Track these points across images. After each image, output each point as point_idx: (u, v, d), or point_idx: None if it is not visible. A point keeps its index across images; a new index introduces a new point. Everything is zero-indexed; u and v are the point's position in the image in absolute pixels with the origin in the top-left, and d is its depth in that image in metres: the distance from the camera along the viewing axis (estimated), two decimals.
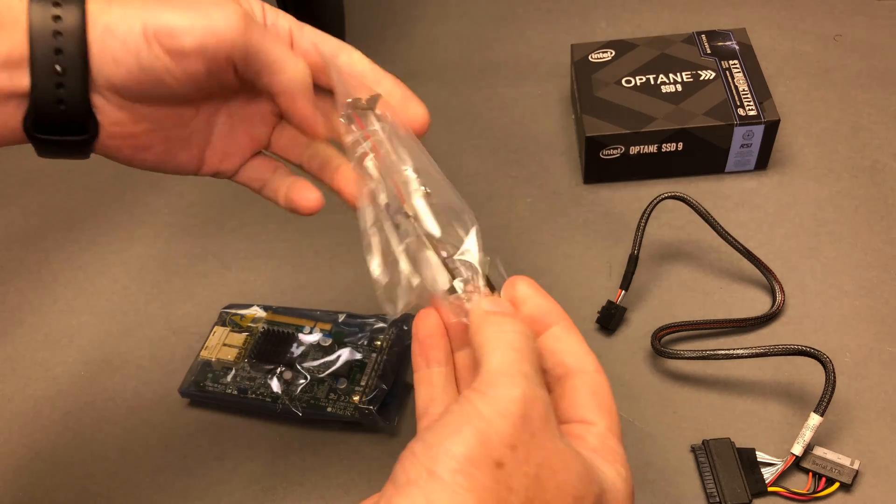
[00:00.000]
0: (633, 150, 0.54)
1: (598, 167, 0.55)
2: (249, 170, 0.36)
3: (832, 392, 0.40)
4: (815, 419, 0.40)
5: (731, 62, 0.56)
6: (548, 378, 0.28)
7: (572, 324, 0.30)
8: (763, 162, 0.55)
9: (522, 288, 0.31)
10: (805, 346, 0.41)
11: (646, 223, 0.48)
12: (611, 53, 0.58)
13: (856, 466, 0.40)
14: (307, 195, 0.34)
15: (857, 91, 0.60)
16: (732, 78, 0.55)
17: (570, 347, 0.29)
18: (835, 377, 0.40)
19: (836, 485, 0.40)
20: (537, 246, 0.53)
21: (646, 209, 0.48)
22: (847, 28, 0.64)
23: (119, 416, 0.47)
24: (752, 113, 0.52)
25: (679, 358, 0.45)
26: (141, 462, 0.45)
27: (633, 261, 0.47)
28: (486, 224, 0.54)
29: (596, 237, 0.53)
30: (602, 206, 0.54)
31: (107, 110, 0.30)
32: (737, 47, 0.57)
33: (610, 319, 0.47)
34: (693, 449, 0.42)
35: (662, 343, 0.46)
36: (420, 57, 0.68)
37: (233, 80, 0.31)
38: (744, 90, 0.54)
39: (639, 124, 0.53)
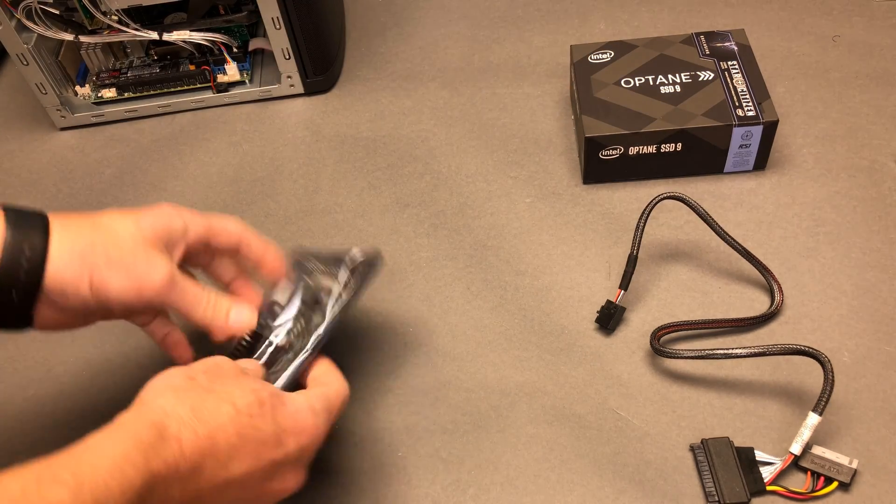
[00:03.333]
0: (633, 150, 0.54)
1: (598, 167, 0.55)
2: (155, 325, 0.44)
3: (831, 391, 0.40)
4: (813, 418, 0.40)
5: (729, 63, 0.56)
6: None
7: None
8: (762, 162, 0.55)
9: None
10: (803, 346, 0.41)
11: (645, 223, 0.48)
12: (610, 54, 0.58)
13: (854, 465, 0.40)
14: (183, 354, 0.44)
15: (855, 91, 0.60)
16: (731, 78, 0.55)
17: (324, 369, 0.41)
18: (833, 377, 0.40)
19: (835, 484, 0.40)
20: (537, 246, 0.53)
21: (645, 209, 0.48)
22: (845, 29, 0.65)
23: None
24: (750, 113, 0.53)
25: (678, 357, 0.45)
26: None
27: (632, 261, 0.48)
28: (486, 224, 0.55)
29: (595, 237, 0.53)
30: (601, 207, 0.55)
31: (45, 316, 0.37)
32: (735, 48, 0.57)
33: (609, 319, 0.48)
34: (692, 448, 0.42)
35: (661, 343, 0.46)
36: (420, 57, 0.68)
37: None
38: (742, 91, 0.54)
39: (638, 125, 0.53)
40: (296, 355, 0.40)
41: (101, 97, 0.66)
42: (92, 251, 0.36)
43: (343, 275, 0.43)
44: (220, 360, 0.37)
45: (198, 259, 0.43)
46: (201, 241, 0.41)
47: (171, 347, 0.43)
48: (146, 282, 0.37)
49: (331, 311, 0.41)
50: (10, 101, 0.70)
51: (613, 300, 0.48)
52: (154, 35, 0.61)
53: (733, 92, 0.54)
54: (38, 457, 0.46)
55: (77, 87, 0.66)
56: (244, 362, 0.40)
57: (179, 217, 0.40)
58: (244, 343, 0.41)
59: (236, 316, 0.41)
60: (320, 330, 0.41)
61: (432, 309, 0.50)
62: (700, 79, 0.55)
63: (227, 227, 0.42)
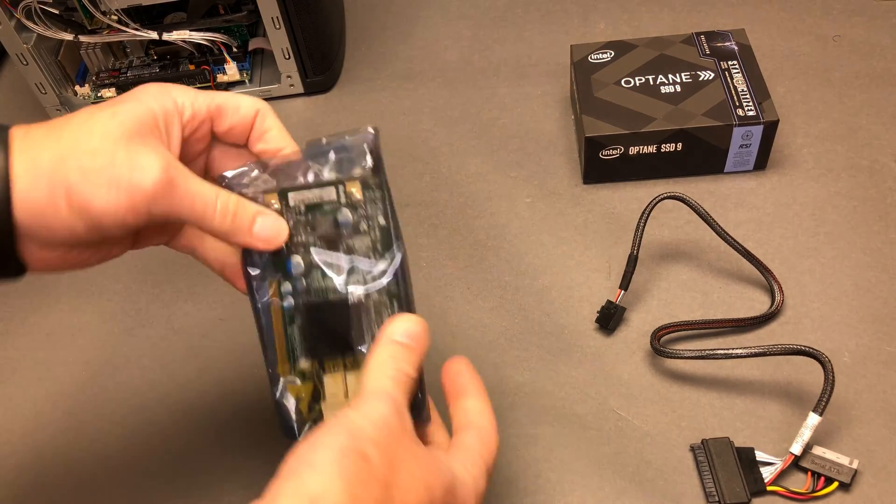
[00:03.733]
0: (633, 150, 0.54)
1: (598, 167, 0.55)
2: (182, 238, 0.36)
3: (831, 392, 0.40)
4: (814, 419, 0.40)
5: (730, 63, 0.56)
6: (453, 426, 0.34)
7: (487, 398, 0.35)
8: (762, 162, 0.55)
9: (456, 365, 0.36)
10: (804, 346, 0.41)
11: (645, 223, 0.48)
12: (610, 54, 0.58)
13: (854, 466, 0.40)
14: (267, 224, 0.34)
15: (855, 91, 0.60)
16: (731, 78, 0.55)
17: (478, 409, 0.34)
18: (834, 377, 0.40)
19: (835, 484, 0.40)
20: (537, 246, 0.53)
21: (645, 209, 0.48)
22: (846, 28, 0.64)
23: (120, 416, 0.47)
24: (750, 113, 0.53)
25: (678, 357, 0.45)
26: (141, 462, 0.45)
27: (632, 261, 0.48)
28: (486, 224, 0.55)
29: (595, 237, 0.53)
30: (601, 206, 0.55)
31: (35, 255, 0.31)
32: (736, 48, 0.57)
33: (609, 319, 0.47)
34: (692, 448, 0.42)
35: (661, 343, 0.46)
36: (420, 57, 0.68)
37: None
38: (743, 90, 0.54)
39: (638, 125, 0.53)
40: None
41: (101, 97, 0.66)
42: (62, 164, 0.29)
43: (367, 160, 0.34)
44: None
45: (196, 150, 0.34)
46: (203, 124, 0.33)
47: (235, 277, 0.35)
48: (136, 188, 0.29)
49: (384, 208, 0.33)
50: (9, 101, 0.70)
51: (614, 300, 0.48)
52: (154, 35, 0.61)
53: (734, 92, 0.54)
54: (38, 459, 0.46)
55: (77, 87, 0.66)
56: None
57: (168, 95, 0.32)
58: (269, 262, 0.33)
59: (263, 223, 0.32)
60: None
61: (432, 309, 0.50)
62: (700, 78, 0.55)
63: (238, 104, 0.33)
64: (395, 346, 0.31)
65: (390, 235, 0.33)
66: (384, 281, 0.33)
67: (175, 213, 0.30)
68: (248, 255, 0.33)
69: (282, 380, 0.34)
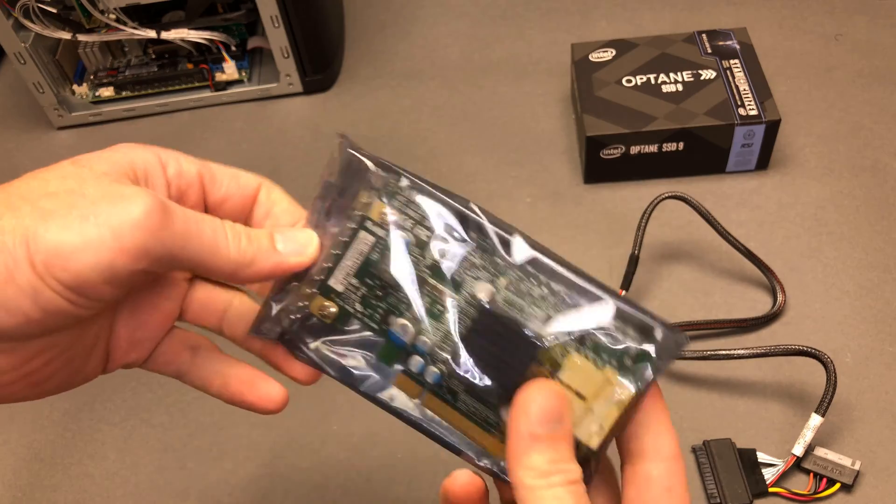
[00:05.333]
0: (634, 149, 0.54)
1: (599, 167, 0.55)
2: (161, 354, 0.29)
3: (833, 392, 0.40)
4: (816, 420, 0.40)
5: (731, 62, 0.56)
6: (621, 449, 0.26)
7: (660, 396, 0.26)
8: (764, 162, 0.55)
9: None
10: (806, 347, 0.41)
11: (646, 223, 0.48)
12: (611, 53, 0.58)
13: (857, 467, 0.40)
14: (268, 392, 0.28)
15: (858, 90, 0.59)
16: (733, 77, 0.55)
17: (654, 421, 0.25)
18: (836, 377, 0.40)
19: (837, 485, 0.40)
20: None
21: (646, 209, 0.48)
22: (848, 27, 0.64)
23: (119, 417, 0.47)
24: (752, 112, 0.52)
25: (679, 358, 0.45)
26: (141, 462, 0.45)
27: (633, 261, 0.47)
28: None
29: (596, 237, 0.53)
30: (602, 206, 0.54)
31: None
32: (737, 47, 0.57)
33: None
34: (694, 449, 0.42)
35: None
36: (420, 56, 0.68)
37: (154, 277, 0.26)
38: (744, 90, 0.54)
39: (639, 124, 0.53)
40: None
41: (99, 96, 0.65)
42: (11, 213, 0.22)
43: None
44: None
45: None
46: (192, 188, 0.27)
47: (255, 393, 0.28)
48: (122, 219, 0.22)
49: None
50: (7, 101, 0.70)
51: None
52: (152, 34, 0.61)
53: (735, 91, 0.54)
54: (35, 457, 0.46)
55: (75, 86, 0.66)
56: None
57: (149, 148, 0.26)
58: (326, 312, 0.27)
59: (285, 236, 0.26)
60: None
61: None
62: (702, 77, 0.55)
63: (237, 173, 0.28)
64: (543, 449, 0.24)
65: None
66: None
67: (179, 248, 0.23)
68: (300, 339, 0.27)
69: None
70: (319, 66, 0.65)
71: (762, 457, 0.41)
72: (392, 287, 0.26)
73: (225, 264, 0.25)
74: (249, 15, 0.63)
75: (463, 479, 0.26)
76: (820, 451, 0.40)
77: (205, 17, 0.63)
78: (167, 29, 0.61)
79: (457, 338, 0.26)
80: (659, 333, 0.25)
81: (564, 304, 0.26)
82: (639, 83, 0.55)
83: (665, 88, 0.55)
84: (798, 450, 0.40)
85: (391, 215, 0.27)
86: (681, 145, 0.53)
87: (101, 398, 0.48)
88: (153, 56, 0.66)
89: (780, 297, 0.47)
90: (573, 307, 0.26)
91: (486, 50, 0.67)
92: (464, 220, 0.27)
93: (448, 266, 0.26)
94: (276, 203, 0.29)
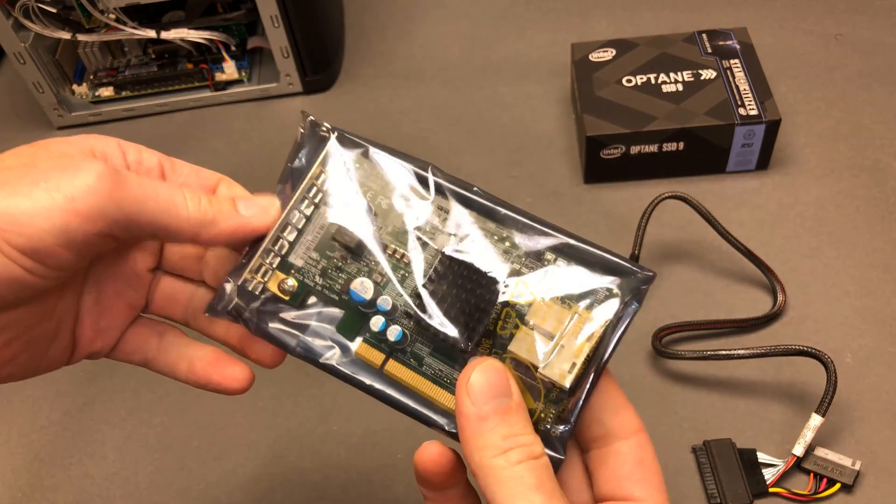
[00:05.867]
0: (634, 149, 0.54)
1: (599, 167, 0.55)
2: (128, 342, 0.29)
3: (833, 392, 0.39)
4: (816, 420, 0.40)
5: (731, 61, 0.56)
6: (583, 437, 0.26)
7: (609, 375, 0.26)
8: (764, 162, 0.55)
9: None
10: (806, 347, 0.41)
11: (646, 223, 0.48)
12: (611, 53, 0.58)
13: (857, 467, 0.40)
14: (232, 372, 0.28)
15: (858, 90, 0.59)
16: (733, 77, 0.55)
17: (609, 401, 0.26)
18: (836, 377, 0.40)
19: (838, 485, 0.40)
20: None
21: (646, 209, 0.48)
22: (848, 27, 0.64)
23: (118, 417, 0.47)
24: (753, 112, 0.52)
25: (680, 358, 0.45)
26: (140, 462, 0.45)
27: (633, 261, 0.47)
28: None
29: (596, 237, 0.52)
30: (602, 206, 0.54)
31: None
32: (738, 46, 0.57)
33: None
34: (694, 449, 0.42)
35: (663, 343, 0.45)
36: (420, 56, 0.68)
37: (114, 245, 0.25)
38: (745, 89, 0.54)
39: (639, 124, 0.53)
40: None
41: (99, 96, 0.65)
42: None
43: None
44: None
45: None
46: (150, 171, 0.27)
47: (220, 373, 0.28)
48: (77, 185, 0.22)
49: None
50: (6, 101, 0.70)
51: None
52: (152, 33, 0.61)
53: (735, 91, 0.54)
54: (35, 457, 0.46)
55: (74, 86, 0.66)
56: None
57: (108, 138, 0.27)
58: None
59: (247, 201, 0.27)
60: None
61: None
62: (702, 77, 0.55)
63: (198, 169, 0.29)
64: (493, 426, 0.23)
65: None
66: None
67: (135, 209, 0.23)
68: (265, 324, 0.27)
69: None
70: (319, 66, 0.65)
71: (762, 457, 0.41)
72: (353, 254, 0.27)
73: (185, 224, 0.25)
74: (249, 15, 0.63)
75: (432, 450, 0.25)
76: (820, 452, 0.40)
77: (205, 17, 0.63)
78: (167, 29, 0.61)
79: (420, 288, 0.26)
80: (624, 271, 0.25)
81: (526, 250, 0.26)
82: (639, 83, 0.55)
83: (665, 88, 0.55)
84: (798, 450, 0.40)
85: (351, 186, 0.27)
86: (681, 145, 0.53)
87: (101, 398, 0.48)
88: (153, 56, 0.66)
89: (780, 297, 0.47)
90: (535, 253, 0.26)
91: (486, 50, 0.67)
92: (424, 182, 0.27)
93: (410, 227, 0.27)
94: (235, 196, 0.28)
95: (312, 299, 0.27)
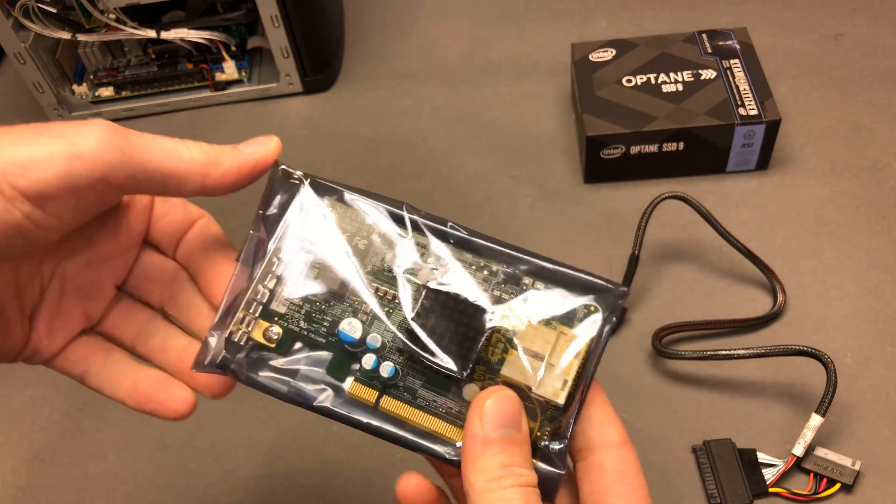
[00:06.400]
0: (634, 149, 0.54)
1: (599, 167, 0.55)
2: (73, 351, 0.28)
3: (833, 392, 0.39)
4: (816, 420, 0.40)
5: (731, 61, 0.56)
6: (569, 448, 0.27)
7: (598, 387, 0.27)
8: (764, 162, 0.55)
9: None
10: (806, 347, 0.41)
11: (646, 223, 0.48)
12: (611, 53, 0.58)
13: (857, 467, 0.40)
14: (178, 394, 0.28)
15: (858, 90, 0.59)
16: (733, 77, 0.55)
17: (595, 413, 0.26)
18: (836, 377, 0.40)
19: (838, 486, 0.40)
20: (537, 246, 0.52)
21: (646, 209, 0.48)
22: (848, 27, 0.64)
23: (118, 417, 0.47)
24: (753, 112, 0.52)
25: (680, 358, 0.45)
26: (140, 462, 0.45)
27: (633, 261, 0.47)
28: (487, 224, 0.55)
29: (596, 237, 0.53)
30: (602, 206, 0.54)
31: None
32: (738, 46, 0.57)
33: None
34: (694, 450, 0.42)
35: (663, 343, 0.45)
36: (420, 56, 0.68)
37: (117, 198, 0.26)
38: (745, 89, 0.54)
39: (639, 124, 0.53)
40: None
41: (99, 96, 0.65)
42: None
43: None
44: None
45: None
46: (151, 178, 0.26)
47: (164, 394, 0.29)
48: (78, 140, 0.23)
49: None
50: (7, 101, 0.70)
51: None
52: (152, 33, 0.61)
53: (735, 91, 0.54)
54: (35, 457, 0.46)
55: (74, 86, 0.65)
56: None
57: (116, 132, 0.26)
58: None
59: (250, 143, 0.27)
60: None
61: None
62: (702, 77, 0.55)
63: (185, 203, 0.29)
64: (495, 453, 0.24)
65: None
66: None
67: (139, 157, 0.24)
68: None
69: None
70: (319, 66, 0.65)
71: (762, 457, 0.41)
72: (336, 297, 0.27)
73: (191, 165, 0.25)
74: (249, 15, 0.63)
75: (411, 482, 0.26)
76: (820, 452, 0.40)
77: (205, 17, 0.63)
78: (167, 29, 0.61)
79: (410, 322, 0.26)
80: (599, 289, 0.26)
81: (505, 278, 0.27)
82: (639, 83, 0.55)
83: (665, 88, 0.55)
84: (798, 450, 0.40)
85: (328, 229, 0.27)
86: (681, 145, 0.53)
87: (101, 398, 0.48)
88: (153, 56, 0.66)
89: (780, 297, 0.47)
90: (514, 279, 0.27)
91: (486, 50, 0.67)
92: (400, 221, 0.28)
93: (390, 266, 0.27)
94: (212, 234, 0.29)
95: (298, 345, 0.27)
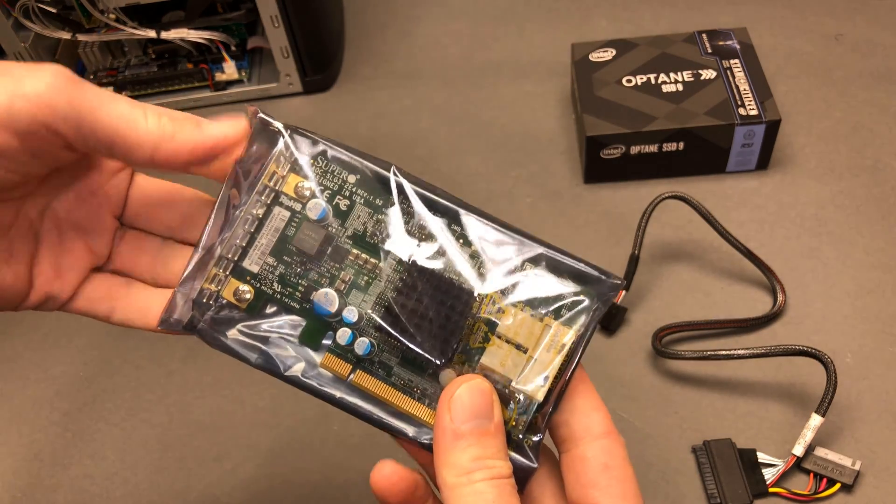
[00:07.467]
0: (634, 149, 0.54)
1: (599, 167, 0.55)
2: (94, 289, 0.28)
3: (833, 392, 0.39)
4: (816, 420, 0.40)
5: (731, 61, 0.56)
6: (553, 438, 0.26)
7: (584, 376, 0.26)
8: (764, 162, 0.55)
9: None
10: (806, 347, 0.41)
11: (646, 223, 0.48)
12: (611, 53, 0.58)
13: (857, 467, 0.40)
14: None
15: (858, 90, 0.59)
16: (733, 77, 0.55)
17: (579, 402, 0.25)
18: (836, 377, 0.40)
19: (838, 485, 0.40)
20: None
21: (646, 209, 0.48)
22: (848, 27, 0.64)
23: (118, 417, 0.47)
24: (753, 112, 0.52)
25: (680, 358, 0.45)
26: (140, 462, 0.45)
27: (633, 261, 0.47)
28: None
29: (596, 237, 0.53)
30: (602, 206, 0.54)
31: None
32: (738, 46, 0.57)
33: (611, 320, 0.47)
34: (694, 450, 0.42)
35: (663, 343, 0.45)
36: (420, 56, 0.68)
37: (65, 160, 0.24)
38: (745, 89, 0.54)
39: (639, 124, 0.53)
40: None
41: None
42: None
43: None
44: None
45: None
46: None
47: None
48: (25, 73, 0.22)
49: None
50: None
51: (615, 301, 0.47)
52: (152, 33, 0.61)
53: (735, 91, 0.54)
54: (35, 457, 0.46)
55: None
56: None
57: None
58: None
59: (214, 123, 0.25)
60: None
61: None
62: (702, 77, 0.55)
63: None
64: (466, 446, 0.23)
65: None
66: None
67: (89, 112, 0.23)
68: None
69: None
70: (319, 66, 0.65)
71: (762, 457, 0.41)
72: (313, 260, 0.25)
73: (144, 136, 0.23)
74: (249, 15, 0.63)
75: (384, 471, 0.25)
76: (820, 452, 0.40)
77: (205, 17, 0.63)
78: (167, 29, 0.61)
79: (389, 300, 0.25)
80: (592, 279, 0.25)
81: (495, 258, 0.25)
82: (639, 83, 0.55)
83: (665, 88, 0.55)
84: (798, 450, 0.40)
85: (307, 186, 0.25)
86: (681, 145, 0.53)
87: (101, 398, 0.48)
88: (153, 56, 0.66)
89: (780, 297, 0.47)
90: (504, 261, 0.25)
91: (486, 50, 0.67)
92: (385, 184, 0.26)
93: (371, 232, 0.25)
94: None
95: (271, 308, 0.25)
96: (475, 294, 0.25)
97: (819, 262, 0.49)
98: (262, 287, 0.26)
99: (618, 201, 0.54)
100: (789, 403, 0.43)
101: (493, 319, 0.25)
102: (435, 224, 0.25)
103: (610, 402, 0.44)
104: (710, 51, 0.57)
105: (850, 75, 0.60)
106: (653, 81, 0.55)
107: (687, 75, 0.55)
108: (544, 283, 0.25)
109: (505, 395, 0.25)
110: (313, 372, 0.25)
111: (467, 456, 0.23)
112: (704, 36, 0.58)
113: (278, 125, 0.26)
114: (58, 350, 0.51)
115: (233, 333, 0.26)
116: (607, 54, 0.58)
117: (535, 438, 0.24)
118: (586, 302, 0.25)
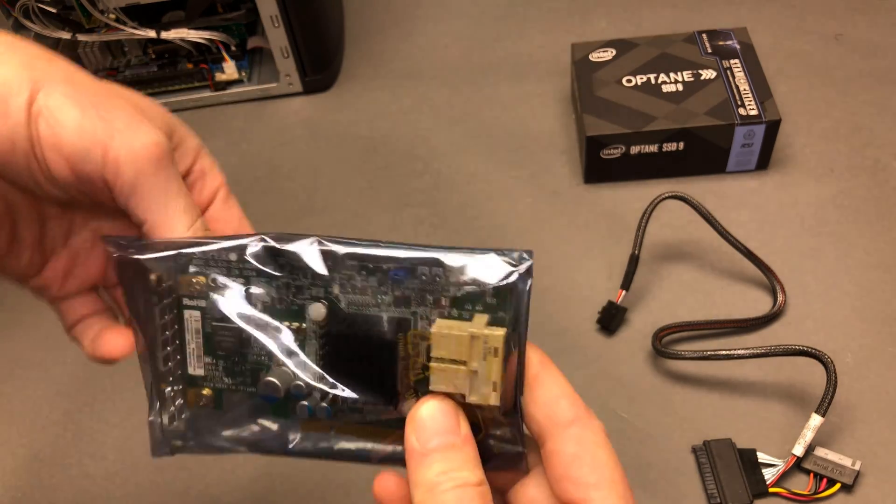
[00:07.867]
0: (634, 149, 0.54)
1: (599, 167, 0.55)
2: (78, 302, 0.30)
3: (833, 392, 0.39)
4: (816, 420, 0.40)
5: (731, 61, 0.56)
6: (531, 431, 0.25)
7: (547, 363, 0.25)
8: (764, 162, 0.55)
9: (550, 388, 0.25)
10: (806, 347, 0.41)
11: (646, 223, 0.48)
12: (611, 53, 0.58)
13: (857, 467, 0.40)
14: (114, 340, 0.28)
15: (858, 90, 0.59)
16: (733, 77, 0.55)
17: (540, 393, 0.24)
18: (836, 377, 0.40)
19: (838, 485, 0.40)
20: (537, 246, 0.53)
21: (646, 209, 0.48)
22: (848, 27, 0.64)
23: (118, 417, 0.47)
24: (753, 112, 0.52)
25: (680, 358, 0.45)
26: (140, 462, 0.45)
27: (633, 261, 0.47)
28: (486, 224, 0.55)
29: (596, 237, 0.53)
30: (602, 206, 0.54)
31: None
32: (738, 46, 0.57)
33: (611, 320, 0.47)
34: (694, 449, 0.42)
35: (663, 343, 0.45)
36: (420, 56, 0.68)
37: (108, 201, 0.26)
38: (745, 89, 0.54)
39: (639, 124, 0.53)
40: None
41: None
42: (47, 67, 0.24)
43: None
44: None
45: None
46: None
47: (106, 339, 0.29)
48: (119, 135, 0.24)
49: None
50: None
51: (615, 301, 0.47)
52: (152, 33, 0.61)
53: (735, 91, 0.54)
54: (35, 457, 0.46)
55: None
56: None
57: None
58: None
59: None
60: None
61: None
62: (702, 77, 0.55)
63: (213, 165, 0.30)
64: (431, 463, 0.23)
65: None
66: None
67: (142, 191, 0.25)
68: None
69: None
70: (319, 66, 0.65)
71: (762, 457, 0.41)
72: (243, 345, 0.26)
73: (150, 227, 0.26)
74: (249, 15, 0.63)
75: (384, 484, 0.25)
76: (820, 452, 0.40)
77: (205, 17, 0.63)
78: (167, 29, 0.61)
79: (325, 358, 0.25)
80: (503, 260, 0.24)
81: (402, 280, 0.24)
82: (639, 83, 0.55)
83: (665, 88, 0.55)
84: (798, 450, 0.40)
85: (198, 279, 0.26)
86: (681, 145, 0.53)
87: (101, 398, 0.48)
88: (153, 56, 0.66)
89: (780, 298, 0.47)
90: (412, 279, 0.24)
91: (486, 50, 0.67)
92: (260, 256, 0.25)
93: (274, 304, 0.25)
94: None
95: (234, 398, 0.26)
96: (393, 335, 0.25)
97: (819, 262, 0.49)
98: (216, 385, 0.26)
99: (618, 201, 0.54)
100: (789, 403, 0.43)
101: (421, 347, 0.24)
102: (323, 272, 0.25)
103: (610, 402, 0.44)
104: (710, 51, 0.57)
105: (850, 75, 0.60)
106: (653, 81, 0.55)
107: (687, 75, 0.55)
108: (455, 284, 0.24)
109: (470, 410, 0.24)
110: (299, 438, 0.26)
111: (433, 472, 0.23)
112: (704, 36, 0.58)
113: (136, 257, 0.26)
114: (58, 350, 0.51)
115: (215, 435, 0.26)
116: (607, 54, 0.58)
117: (509, 428, 0.24)
118: (506, 283, 0.24)
